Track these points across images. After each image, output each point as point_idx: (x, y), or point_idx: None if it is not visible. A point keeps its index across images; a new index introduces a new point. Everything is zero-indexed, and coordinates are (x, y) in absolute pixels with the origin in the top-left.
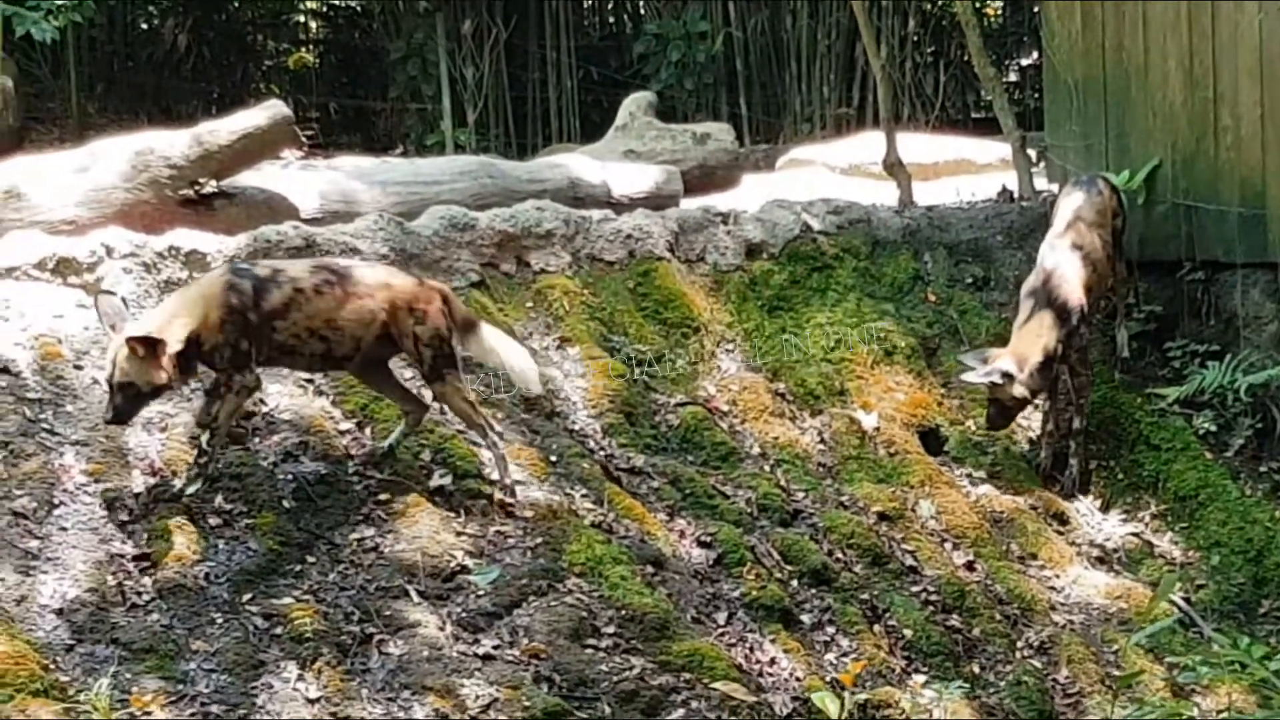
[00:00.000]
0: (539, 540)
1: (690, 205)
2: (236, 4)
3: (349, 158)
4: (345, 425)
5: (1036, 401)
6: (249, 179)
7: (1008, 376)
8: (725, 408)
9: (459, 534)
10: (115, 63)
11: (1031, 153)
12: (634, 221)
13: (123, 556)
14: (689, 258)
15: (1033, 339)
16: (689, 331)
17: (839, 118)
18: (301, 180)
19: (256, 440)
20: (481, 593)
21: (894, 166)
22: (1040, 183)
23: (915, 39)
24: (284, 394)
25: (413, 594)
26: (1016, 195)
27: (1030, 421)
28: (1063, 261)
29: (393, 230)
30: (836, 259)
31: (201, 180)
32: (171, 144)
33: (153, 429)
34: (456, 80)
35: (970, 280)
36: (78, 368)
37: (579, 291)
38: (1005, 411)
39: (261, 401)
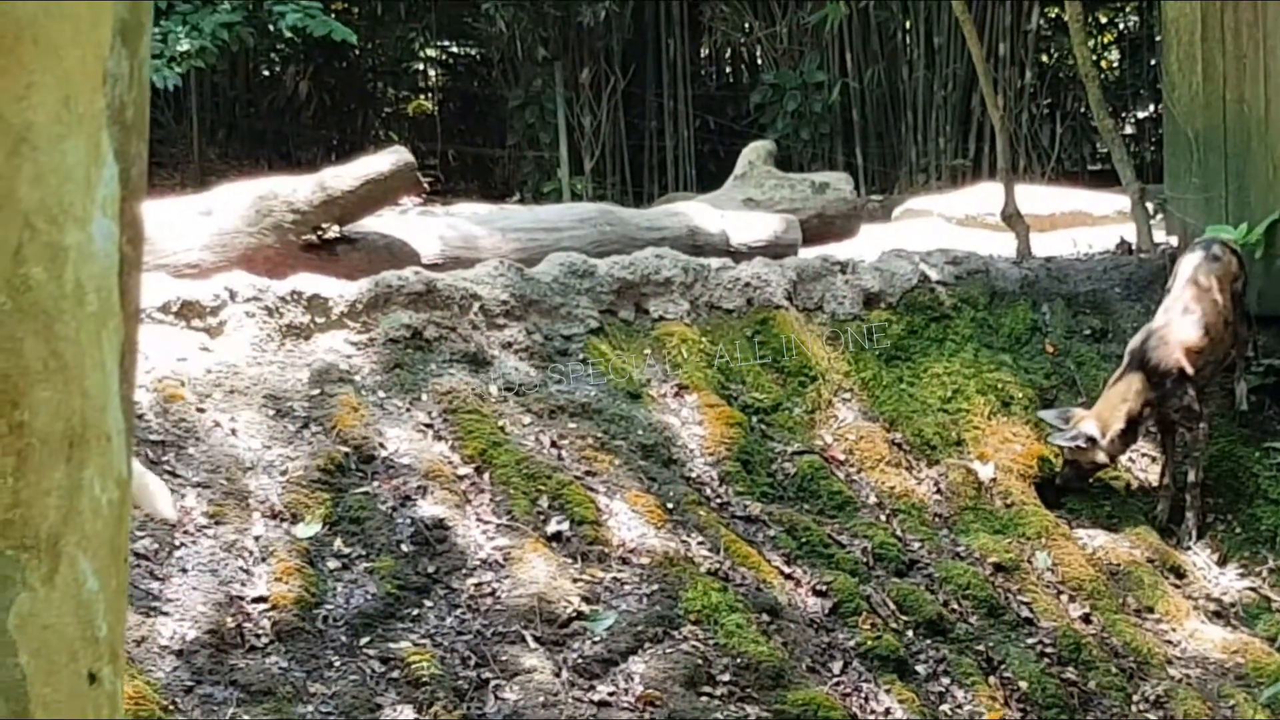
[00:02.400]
0: (655, 587)
1: (809, 254)
2: (357, 52)
3: (467, 204)
4: (464, 470)
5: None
6: (371, 224)
7: (1090, 441)
8: (842, 457)
9: (575, 580)
10: (237, 109)
11: (1149, 205)
12: (752, 270)
13: (242, 599)
14: (807, 306)
15: (1117, 402)
16: (806, 380)
17: (954, 169)
18: (422, 226)
19: (375, 484)
20: (597, 639)
21: (1012, 218)
22: (1159, 235)
23: (1032, 90)
24: (403, 438)
25: (529, 639)
26: (1135, 247)
27: (1148, 474)
28: (1169, 323)
29: (513, 276)
30: (954, 309)
31: (324, 225)
32: (295, 189)
33: (273, 471)
34: (574, 128)
35: (1088, 332)
36: (200, 410)
37: (697, 339)
38: (1082, 474)
39: (381, 445)
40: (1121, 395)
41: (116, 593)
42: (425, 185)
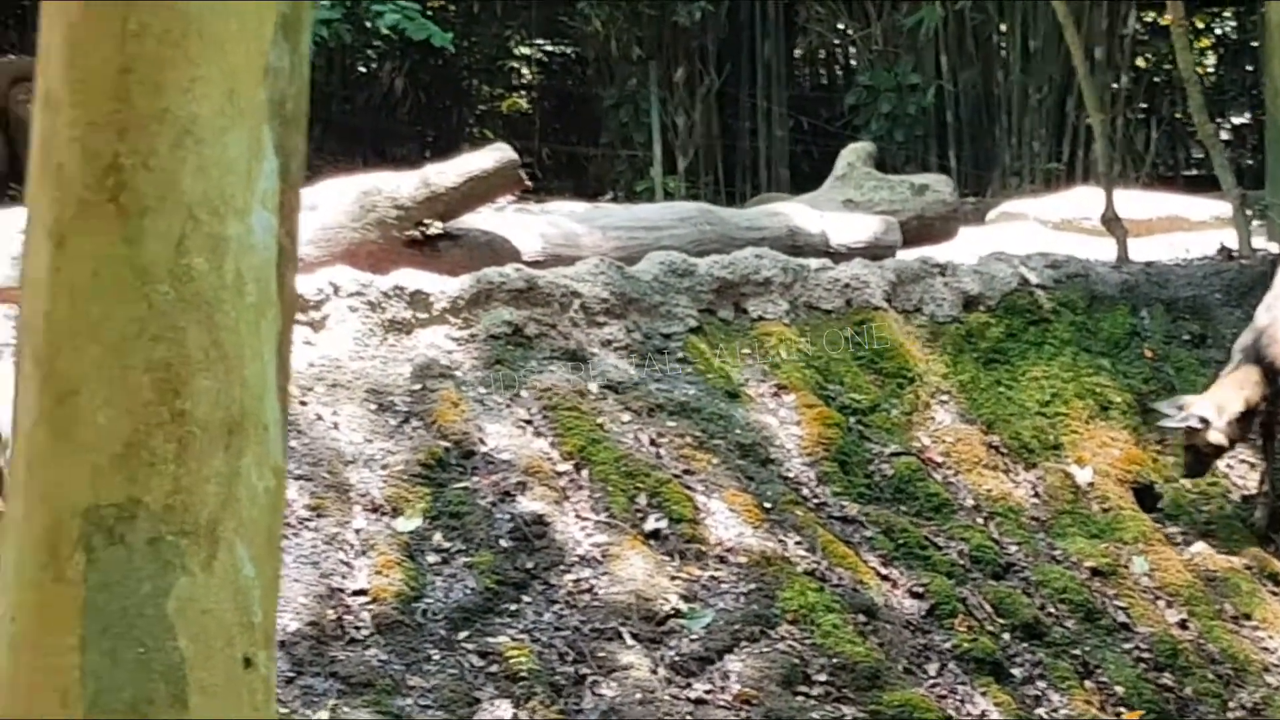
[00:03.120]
0: (752, 586)
1: (907, 256)
2: (453, 50)
3: (562, 202)
4: (563, 467)
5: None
6: (473, 221)
7: (1204, 422)
8: (939, 459)
9: (673, 578)
10: (334, 105)
11: (1249, 211)
12: (852, 271)
13: (343, 591)
14: (905, 308)
15: (1235, 389)
16: (904, 382)
17: (1048, 172)
18: (523, 223)
19: (475, 479)
20: (694, 637)
21: (1111, 222)
22: (1259, 241)
23: (1127, 95)
24: (503, 434)
25: (626, 636)
26: (1235, 253)
27: (1248, 481)
28: (1275, 321)
29: (613, 274)
30: (1053, 313)
31: (427, 221)
32: (399, 185)
33: (374, 465)
34: (668, 128)
35: (1188, 337)
36: (302, 404)
37: (795, 339)
38: (1201, 459)
39: (481, 441)
40: (1239, 383)
41: (271, 579)
42: (527, 183)
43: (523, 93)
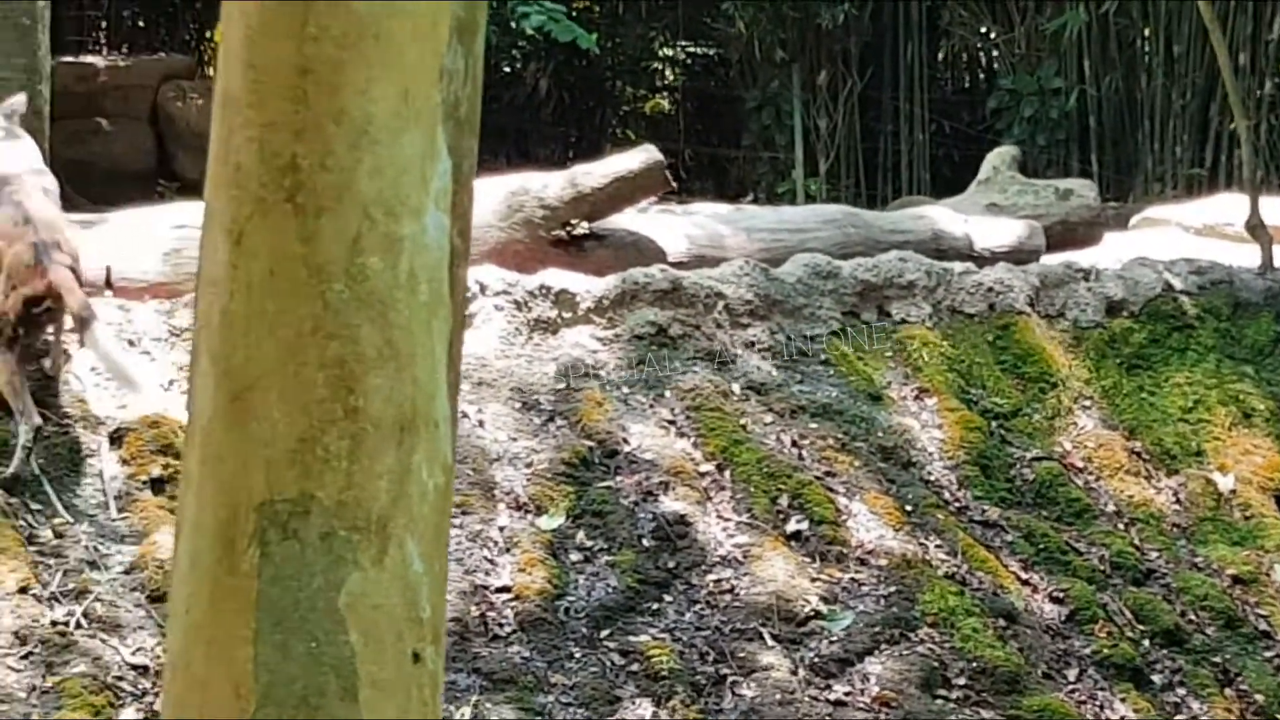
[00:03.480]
0: (892, 589)
1: (1051, 261)
2: (597, 51)
3: (704, 203)
4: (705, 467)
5: None
6: (618, 221)
7: None
8: (1080, 464)
9: (813, 579)
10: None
11: None
12: (995, 275)
13: (486, 588)
14: (1049, 313)
15: None
16: (1046, 386)
17: (1190, 178)
18: (668, 224)
19: (618, 478)
20: (834, 638)
21: (1255, 228)
22: None
23: (1271, 101)
24: (646, 434)
25: (766, 637)
26: None
27: None
28: None
29: (757, 276)
30: (1197, 319)
31: (573, 221)
32: (546, 185)
33: (519, 464)
34: (810, 130)
35: None
36: None
37: (938, 343)
38: None
39: (625, 440)
40: None
41: (439, 576)
42: (673, 184)
43: (665, 94)
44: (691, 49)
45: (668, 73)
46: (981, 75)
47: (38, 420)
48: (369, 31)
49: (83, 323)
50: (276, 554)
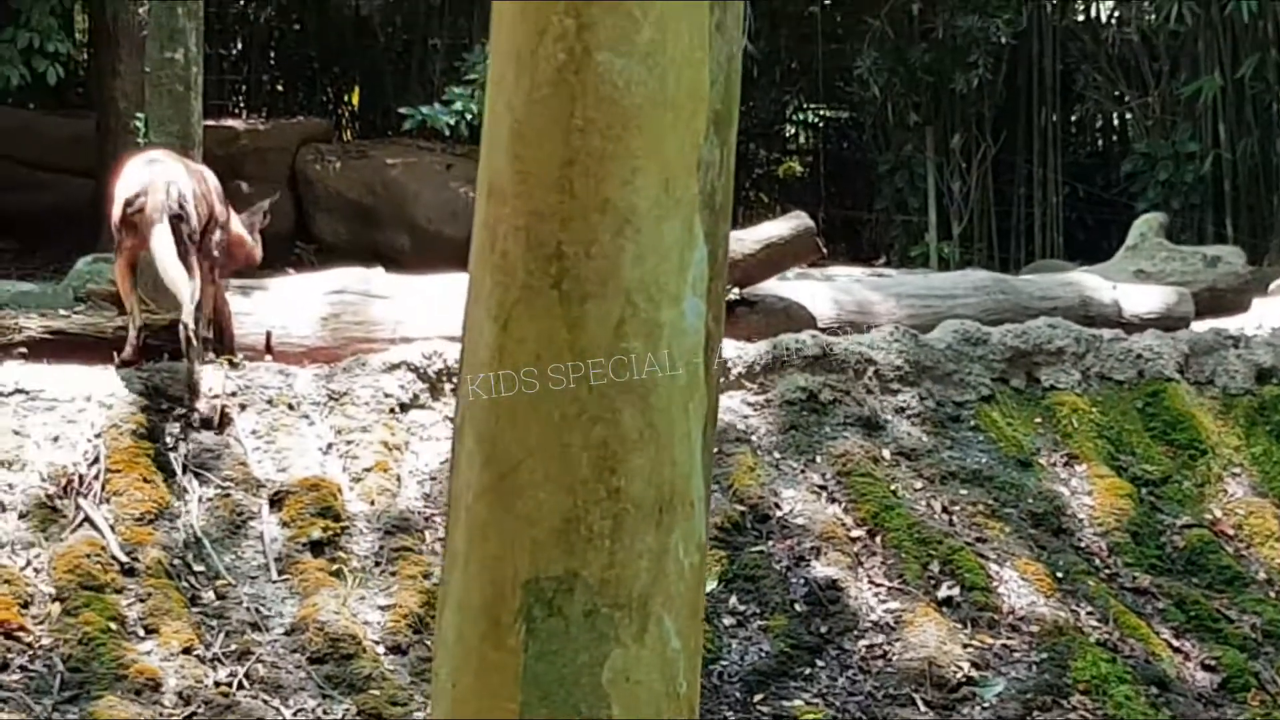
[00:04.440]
0: (1044, 655)
1: (1200, 327)
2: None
3: (840, 267)
4: (856, 532)
5: None
6: (767, 286)
7: None
8: (1231, 531)
9: (965, 645)
10: None
11: None
12: (1144, 342)
13: None
14: (1198, 380)
15: None
16: (1196, 453)
17: None
18: (817, 290)
19: (770, 543)
20: (986, 705)
21: None
22: None
23: None
24: (798, 499)
25: (919, 703)
26: None
27: None
28: None
29: (907, 342)
30: None
31: (726, 287)
32: None
33: None
34: (943, 193)
35: None
36: None
37: (1087, 409)
38: None
39: (776, 505)
40: None
41: (694, 652)
42: (824, 250)
43: (799, 157)
44: (825, 112)
45: (801, 136)
46: (1116, 139)
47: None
48: (633, 124)
49: None
50: (542, 630)
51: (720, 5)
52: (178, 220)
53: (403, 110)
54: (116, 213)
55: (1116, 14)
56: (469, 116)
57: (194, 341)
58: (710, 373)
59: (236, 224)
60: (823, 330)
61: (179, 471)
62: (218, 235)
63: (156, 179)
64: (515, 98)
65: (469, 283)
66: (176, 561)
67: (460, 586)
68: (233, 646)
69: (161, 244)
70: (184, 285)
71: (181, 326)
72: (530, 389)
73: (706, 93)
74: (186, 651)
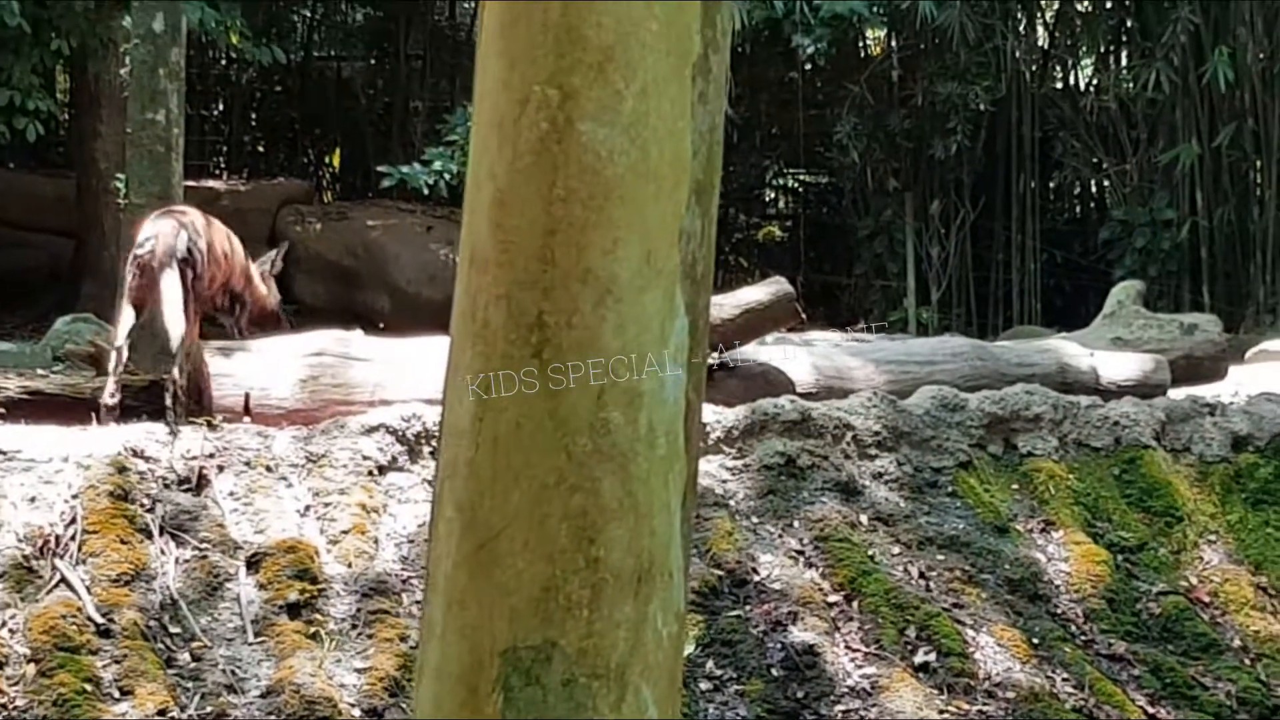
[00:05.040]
0: None
1: (1176, 395)
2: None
3: (818, 332)
4: (834, 598)
5: None
6: (746, 352)
7: None
8: (1206, 599)
9: (941, 711)
10: None
11: None
12: (1121, 409)
13: None
14: (1175, 447)
15: None
16: (1172, 521)
17: None
18: (796, 355)
19: (748, 608)
20: None
21: None
22: None
23: None
24: (775, 564)
25: None
26: None
27: None
28: None
29: (885, 408)
30: None
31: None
32: None
33: None
34: (922, 258)
35: None
36: None
37: (1064, 476)
38: None
39: (754, 570)
40: None
41: None
42: (803, 316)
43: (778, 221)
44: (805, 177)
45: (781, 201)
46: (1093, 206)
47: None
48: (615, 194)
49: None
50: (520, 699)
51: (702, 77)
52: (185, 265)
53: (381, 169)
54: (131, 254)
55: (1095, 82)
56: (447, 176)
57: (179, 395)
58: (690, 442)
59: (258, 279)
60: (801, 395)
61: (156, 533)
62: (243, 291)
63: (168, 226)
64: (498, 166)
65: (449, 350)
66: (152, 623)
67: (438, 655)
68: (208, 709)
69: (169, 286)
70: (177, 331)
71: (168, 378)
72: (510, 458)
73: (689, 163)
74: (161, 714)
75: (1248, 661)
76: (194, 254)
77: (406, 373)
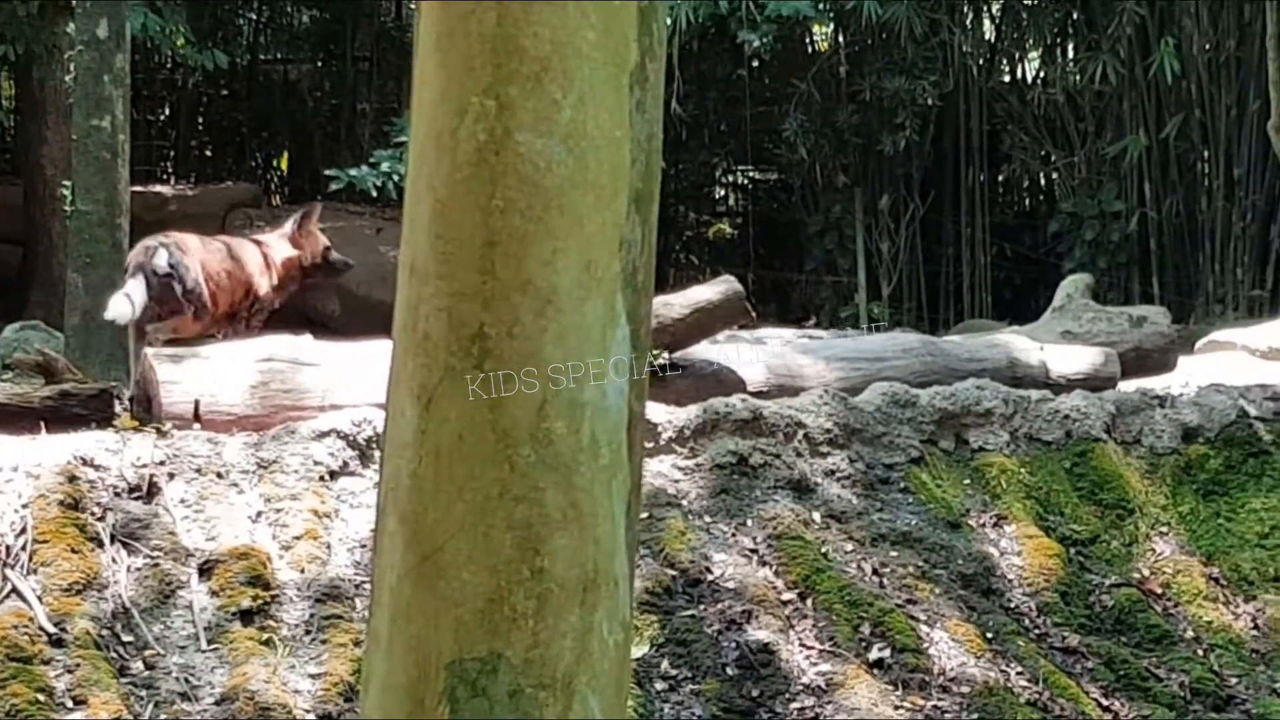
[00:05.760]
0: (975, 716)
1: (1126, 387)
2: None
3: (770, 329)
4: (787, 596)
5: None
6: (697, 351)
7: None
8: (1159, 590)
9: (896, 707)
10: None
11: None
12: (1072, 402)
13: None
14: (1125, 440)
15: None
16: (1124, 513)
17: (1252, 300)
18: (748, 354)
19: (702, 607)
20: None
21: None
22: None
23: None
24: (729, 563)
25: None
26: None
27: None
28: None
29: (836, 405)
30: (1273, 444)
31: (654, 352)
32: None
33: None
34: (872, 254)
35: None
36: None
37: (1016, 470)
38: None
39: (708, 569)
40: None
41: None
42: (753, 314)
43: (728, 219)
44: (754, 174)
45: (730, 198)
46: (1042, 199)
47: None
48: (554, 204)
49: None
50: (466, 711)
51: (640, 85)
52: (168, 279)
53: (329, 172)
54: None
55: (1042, 75)
56: (396, 178)
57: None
58: (634, 451)
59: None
60: (752, 394)
61: (107, 541)
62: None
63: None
64: (436, 178)
65: (391, 363)
66: (105, 632)
67: (384, 667)
68: (162, 717)
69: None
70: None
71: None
72: (453, 470)
73: (627, 172)
74: None
75: (1200, 652)
76: (176, 270)
77: (357, 377)
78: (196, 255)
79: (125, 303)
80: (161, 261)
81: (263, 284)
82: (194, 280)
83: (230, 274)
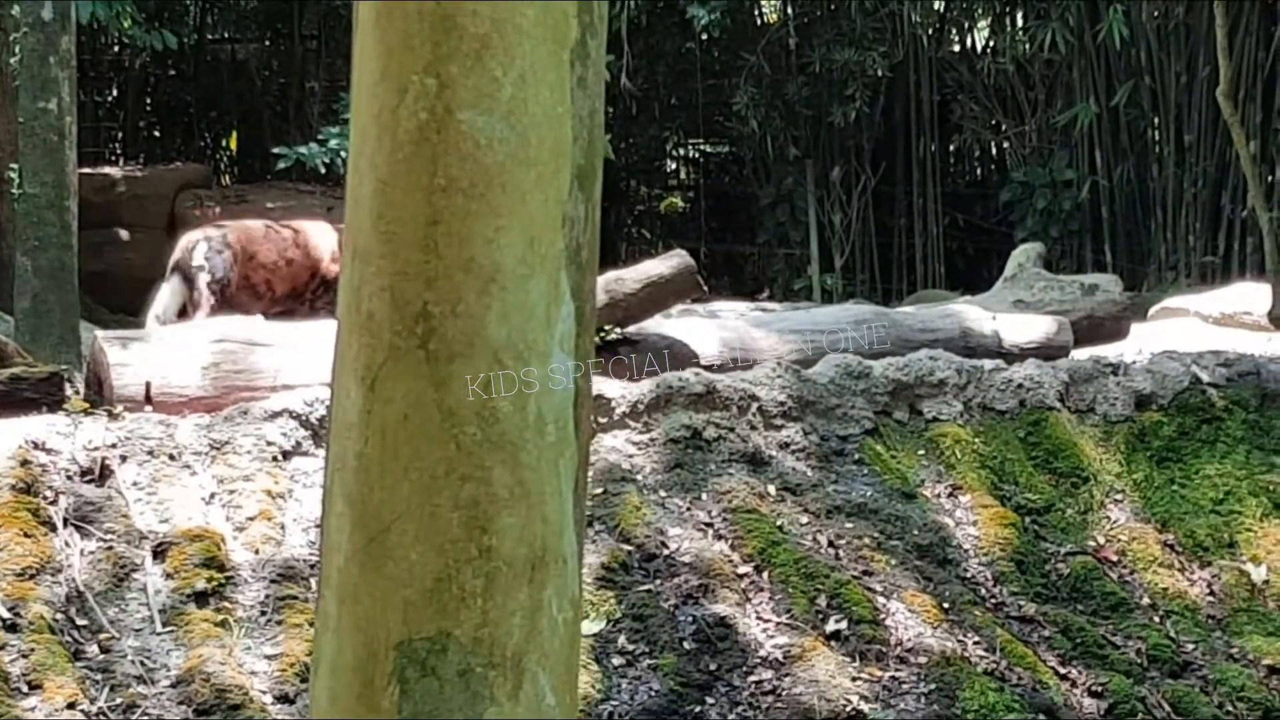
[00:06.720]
0: (933, 686)
1: (1079, 355)
2: (611, 153)
3: (723, 302)
4: (744, 569)
5: None
6: (651, 325)
7: None
8: (1114, 558)
9: (854, 679)
10: None
11: None
12: (1025, 371)
13: None
14: (1079, 408)
15: None
16: (1079, 481)
17: (1203, 266)
18: (702, 327)
19: (658, 582)
20: None
21: (1279, 319)
22: None
23: None
24: (684, 537)
25: None
26: None
27: None
28: None
29: (790, 378)
30: (1226, 411)
31: (606, 327)
32: None
33: None
34: (824, 225)
35: None
36: None
37: (970, 440)
38: None
39: (663, 544)
40: None
41: (570, 708)
42: (704, 288)
43: (680, 192)
44: (705, 147)
45: (682, 171)
46: (994, 168)
47: None
48: (495, 181)
49: None
50: (416, 691)
51: (581, 62)
52: (199, 270)
53: (277, 150)
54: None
55: (991, 44)
56: (344, 155)
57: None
58: (581, 428)
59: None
60: (706, 368)
61: (60, 525)
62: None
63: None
64: (378, 157)
65: (335, 344)
66: (59, 616)
67: (332, 649)
68: (118, 700)
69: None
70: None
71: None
72: (399, 450)
73: (569, 149)
74: (71, 706)
75: (1157, 619)
76: (209, 261)
77: (309, 357)
78: (250, 246)
79: (155, 323)
80: (199, 257)
81: (333, 268)
82: (223, 273)
83: (291, 261)
